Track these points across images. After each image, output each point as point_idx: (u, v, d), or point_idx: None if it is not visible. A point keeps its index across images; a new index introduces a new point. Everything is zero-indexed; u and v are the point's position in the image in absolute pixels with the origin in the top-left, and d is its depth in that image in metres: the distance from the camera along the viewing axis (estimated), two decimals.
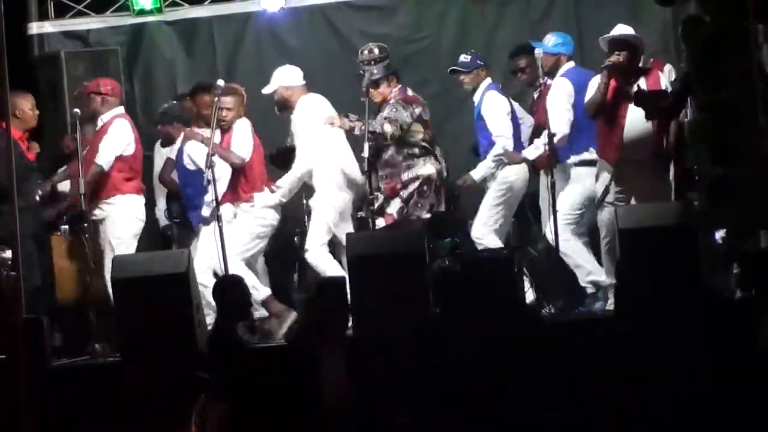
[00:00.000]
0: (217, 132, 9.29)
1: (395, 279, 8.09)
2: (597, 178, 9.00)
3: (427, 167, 9.34)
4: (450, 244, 9.69)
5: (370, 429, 7.02)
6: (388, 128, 9.21)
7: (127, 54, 11.09)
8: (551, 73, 9.28)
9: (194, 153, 9.38)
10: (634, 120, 8.67)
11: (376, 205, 9.18)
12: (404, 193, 9.31)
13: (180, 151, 9.55)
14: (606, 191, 8.84)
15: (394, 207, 9.31)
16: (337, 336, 7.48)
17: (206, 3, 11.44)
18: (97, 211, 9.29)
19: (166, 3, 11.31)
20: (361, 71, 9.38)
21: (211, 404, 6.09)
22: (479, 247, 9.21)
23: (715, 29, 7.37)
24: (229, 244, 8.91)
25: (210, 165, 8.93)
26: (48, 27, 11.35)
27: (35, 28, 11.29)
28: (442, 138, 10.20)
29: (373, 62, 9.37)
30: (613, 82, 8.76)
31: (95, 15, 11.44)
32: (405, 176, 9.32)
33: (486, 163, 9.35)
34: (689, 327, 6.02)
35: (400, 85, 9.45)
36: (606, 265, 8.93)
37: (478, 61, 9.53)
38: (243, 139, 9.31)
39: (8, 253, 8.45)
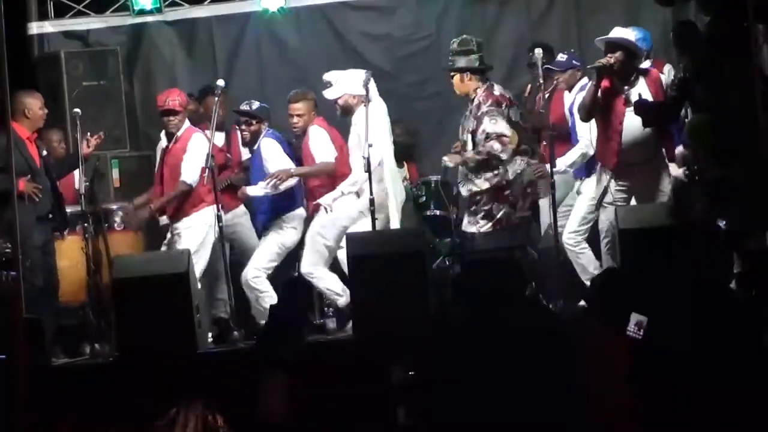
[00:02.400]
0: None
1: (395, 279, 8.09)
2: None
3: (522, 164, 9.02)
4: (450, 244, 9.70)
5: (373, 429, 7.02)
6: (498, 147, 8.91)
7: (127, 54, 11.11)
8: None
9: (270, 158, 9.32)
10: (632, 124, 8.62)
11: (480, 212, 9.01)
12: (511, 197, 8.98)
13: (256, 156, 9.45)
14: (605, 192, 8.82)
15: (499, 211, 8.98)
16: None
17: (206, 3, 11.45)
18: (179, 224, 9.27)
19: (166, 3, 11.32)
20: (450, 62, 9.21)
21: (193, 402, 6.06)
22: (569, 254, 8.97)
23: (715, 29, 7.37)
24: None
25: (210, 166, 8.94)
26: (48, 27, 11.37)
27: (35, 28, 11.31)
28: (442, 137, 10.21)
29: (457, 54, 9.10)
30: (608, 85, 8.69)
31: (95, 15, 11.45)
32: (505, 179, 8.97)
33: (564, 159, 9.11)
34: (689, 327, 6.02)
35: (486, 84, 9.08)
36: (606, 265, 8.92)
37: (574, 62, 9.30)
38: (322, 145, 9.32)
39: (7, 244, 8.42)
